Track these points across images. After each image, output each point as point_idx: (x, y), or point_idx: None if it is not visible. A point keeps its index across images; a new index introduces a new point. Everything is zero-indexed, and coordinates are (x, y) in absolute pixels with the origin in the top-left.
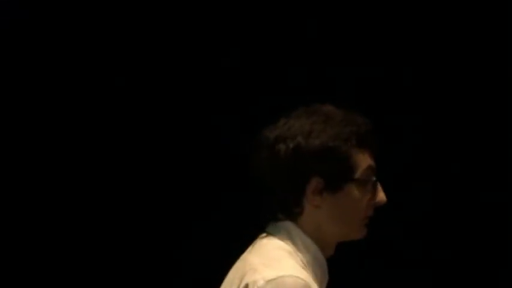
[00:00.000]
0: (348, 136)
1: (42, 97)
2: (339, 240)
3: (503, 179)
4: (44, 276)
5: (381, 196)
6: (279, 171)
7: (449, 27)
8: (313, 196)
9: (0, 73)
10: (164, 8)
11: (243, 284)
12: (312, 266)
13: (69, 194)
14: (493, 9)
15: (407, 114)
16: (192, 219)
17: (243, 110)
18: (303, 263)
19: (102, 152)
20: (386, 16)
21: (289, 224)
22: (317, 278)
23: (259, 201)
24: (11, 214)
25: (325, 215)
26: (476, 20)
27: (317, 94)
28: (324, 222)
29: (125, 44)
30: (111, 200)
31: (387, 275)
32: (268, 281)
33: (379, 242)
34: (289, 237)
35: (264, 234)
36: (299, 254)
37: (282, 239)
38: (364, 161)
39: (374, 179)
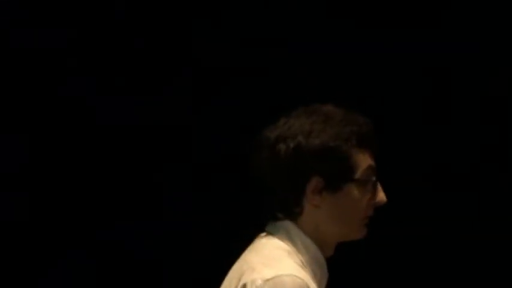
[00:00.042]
0: (348, 136)
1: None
2: (339, 240)
3: (504, 179)
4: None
5: (381, 196)
6: (280, 171)
7: (450, 26)
8: (313, 196)
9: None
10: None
11: (241, 284)
12: (311, 265)
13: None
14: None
15: (408, 114)
16: (192, 219)
17: (243, 110)
18: (302, 262)
19: (102, 153)
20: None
21: (288, 224)
22: (316, 278)
23: (259, 201)
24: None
25: (325, 214)
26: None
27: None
28: (324, 222)
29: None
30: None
31: (387, 275)
32: (266, 280)
33: (379, 242)
34: (289, 237)
35: (263, 234)
36: (298, 253)
37: (281, 239)
38: (364, 161)
39: (374, 179)
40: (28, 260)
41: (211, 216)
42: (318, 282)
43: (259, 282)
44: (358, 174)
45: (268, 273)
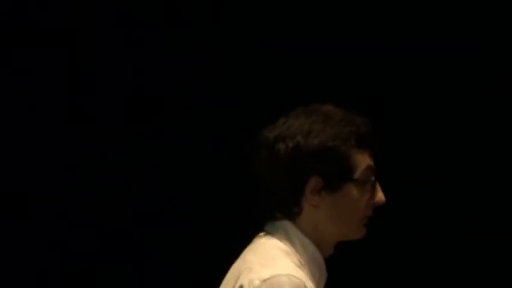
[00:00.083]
0: (347, 136)
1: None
2: (338, 240)
3: (504, 179)
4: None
5: (380, 196)
6: (278, 171)
7: (449, 26)
8: (312, 196)
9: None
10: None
11: (238, 285)
12: (309, 265)
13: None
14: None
15: (407, 114)
16: (192, 219)
17: (243, 110)
18: (300, 262)
19: (102, 153)
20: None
21: (287, 224)
22: (314, 278)
23: (259, 201)
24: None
25: (324, 214)
26: (476, 19)
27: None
28: (323, 222)
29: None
30: (111, 201)
31: (386, 275)
32: (264, 281)
33: (378, 241)
34: (287, 237)
35: (262, 234)
36: (296, 253)
37: (279, 239)
38: (363, 161)
39: (373, 179)
40: None
41: (211, 216)
42: (317, 283)
43: (256, 282)
44: (357, 174)
45: (266, 273)
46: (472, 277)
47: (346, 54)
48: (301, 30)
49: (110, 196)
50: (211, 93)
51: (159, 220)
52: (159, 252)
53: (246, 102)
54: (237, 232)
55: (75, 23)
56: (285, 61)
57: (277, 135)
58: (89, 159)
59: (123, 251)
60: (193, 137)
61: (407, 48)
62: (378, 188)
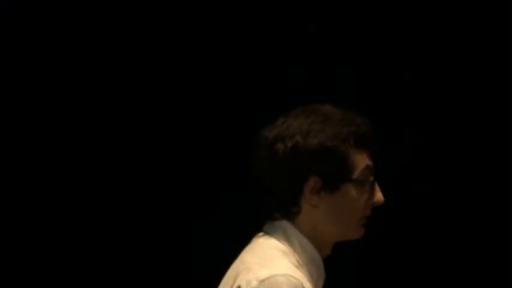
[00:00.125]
0: (346, 136)
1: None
2: (337, 240)
3: (504, 179)
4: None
5: (379, 196)
6: (278, 171)
7: (449, 27)
8: (311, 195)
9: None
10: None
11: (236, 285)
12: (308, 265)
13: (67, 195)
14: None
15: (407, 114)
16: (192, 219)
17: (244, 109)
18: (298, 262)
19: (102, 152)
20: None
21: (285, 224)
22: (313, 278)
23: (259, 201)
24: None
25: (323, 214)
26: (476, 20)
27: (317, 94)
28: (321, 222)
29: (125, 44)
30: (111, 200)
31: (384, 275)
32: (262, 281)
33: (377, 241)
34: (286, 237)
35: (261, 234)
36: (295, 253)
37: (278, 239)
38: (362, 161)
39: (372, 179)
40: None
41: (211, 216)
42: (315, 283)
43: (254, 283)
44: (355, 174)
45: (264, 274)
46: (471, 277)
47: (346, 54)
48: (301, 30)
49: (110, 196)
50: (211, 93)
51: (158, 220)
52: (158, 252)
53: (246, 102)
54: (237, 232)
55: (72, 22)
56: (285, 61)
57: (276, 135)
58: (89, 159)
59: (123, 250)
60: (193, 137)
61: (406, 48)
62: (377, 188)
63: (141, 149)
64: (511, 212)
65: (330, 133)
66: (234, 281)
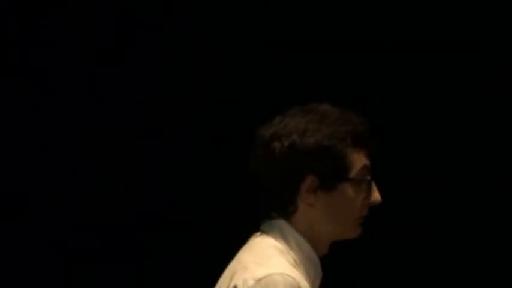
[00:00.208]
0: (343, 135)
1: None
2: (333, 239)
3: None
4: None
5: (376, 196)
6: (274, 169)
7: (449, 27)
8: (308, 194)
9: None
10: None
11: (232, 284)
12: (304, 264)
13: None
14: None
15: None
16: (192, 219)
17: (243, 110)
18: (295, 261)
19: (102, 152)
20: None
21: (282, 223)
22: (309, 277)
23: (257, 200)
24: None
25: (319, 213)
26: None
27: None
28: (318, 221)
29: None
30: (111, 200)
31: (381, 274)
32: (258, 280)
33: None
34: (282, 236)
35: (258, 233)
36: (291, 252)
37: (275, 238)
38: (359, 160)
39: (369, 178)
40: None
41: (210, 216)
42: (312, 282)
43: (251, 282)
44: (352, 174)
45: (260, 273)
46: (472, 277)
47: (345, 54)
48: (301, 30)
49: (110, 196)
50: (211, 93)
51: (159, 220)
52: (158, 252)
53: (246, 102)
54: (237, 232)
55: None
56: (285, 61)
57: (273, 134)
58: (89, 159)
59: (123, 250)
60: (193, 137)
61: (404, 48)
62: (374, 187)
63: (141, 149)
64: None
65: (326, 132)
66: (231, 280)
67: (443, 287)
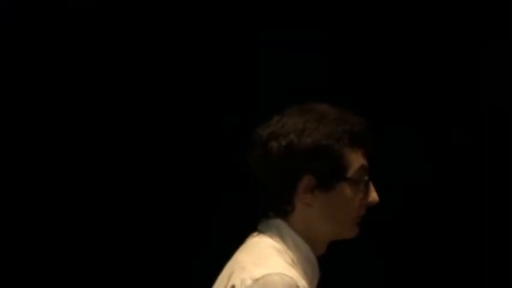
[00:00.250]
0: (341, 135)
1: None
2: (331, 239)
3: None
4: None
5: (373, 196)
6: (271, 169)
7: (448, 28)
8: (305, 194)
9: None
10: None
11: (230, 284)
12: (302, 264)
13: (67, 195)
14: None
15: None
16: (192, 219)
17: (243, 109)
18: (293, 261)
19: (102, 153)
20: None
21: (279, 222)
22: (307, 277)
23: (257, 200)
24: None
25: (317, 213)
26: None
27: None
28: (315, 221)
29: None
30: (112, 201)
31: (379, 274)
32: (256, 280)
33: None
34: (280, 235)
35: (255, 233)
36: (289, 252)
37: (272, 237)
38: (356, 160)
39: (366, 178)
40: None
41: (211, 216)
42: (309, 281)
43: (248, 282)
44: (350, 174)
45: (258, 273)
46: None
47: (345, 54)
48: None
49: (110, 196)
50: (211, 93)
51: (157, 220)
52: (158, 252)
53: (245, 102)
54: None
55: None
56: (285, 61)
57: (271, 133)
58: (89, 159)
59: (123, 250)
60: (192, 136)
61: (403, 48)
62: (371, 187)
63: (140, 149)
64: (511, 211)
65: (324, 132)
66: (229, 280)
67: (444, 287)
